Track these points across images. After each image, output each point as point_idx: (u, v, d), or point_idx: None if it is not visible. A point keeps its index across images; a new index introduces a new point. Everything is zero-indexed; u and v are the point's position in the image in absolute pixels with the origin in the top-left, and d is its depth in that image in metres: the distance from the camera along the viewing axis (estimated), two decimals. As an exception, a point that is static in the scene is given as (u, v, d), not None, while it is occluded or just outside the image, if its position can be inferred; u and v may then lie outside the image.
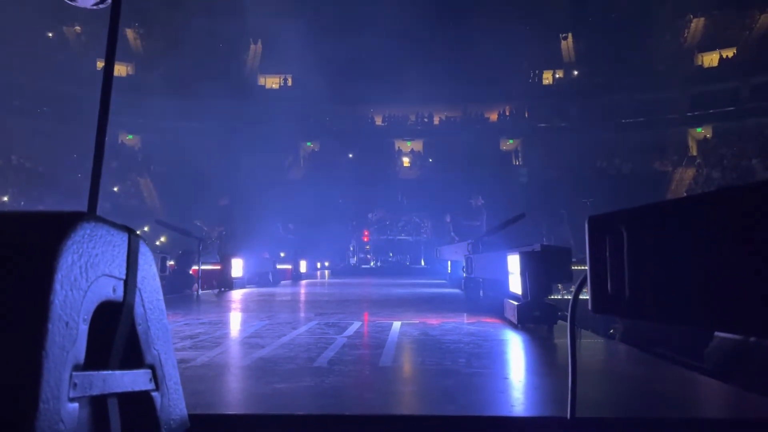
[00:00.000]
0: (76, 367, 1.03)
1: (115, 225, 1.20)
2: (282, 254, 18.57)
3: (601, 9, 33.71)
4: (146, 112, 30.90)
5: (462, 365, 2.34)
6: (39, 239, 1.02)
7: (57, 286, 0.98)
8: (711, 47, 32.01)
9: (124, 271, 1.21)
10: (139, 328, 1.27)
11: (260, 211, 21.17)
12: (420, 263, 19.03)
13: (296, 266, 12.46)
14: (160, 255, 5.97)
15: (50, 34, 31.68)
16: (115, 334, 1.20)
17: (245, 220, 17.25)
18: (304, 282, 11.40)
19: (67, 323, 1.01)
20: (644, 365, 2.44)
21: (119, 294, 1.19)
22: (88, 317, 1.08)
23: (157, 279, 1.37)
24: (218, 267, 8.71)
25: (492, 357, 2.64)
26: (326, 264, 17.74)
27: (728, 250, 1.17)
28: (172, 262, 8.36)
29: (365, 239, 21.01)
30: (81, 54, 31.50)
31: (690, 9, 33.23)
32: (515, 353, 2.89)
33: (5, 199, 25.09)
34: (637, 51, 32.39)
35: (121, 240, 1.21)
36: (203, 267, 8.17)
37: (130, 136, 32.87)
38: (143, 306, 1.28)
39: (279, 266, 11.60)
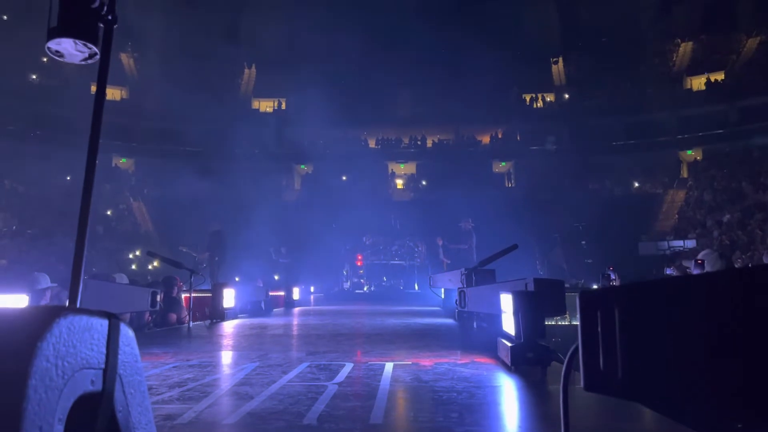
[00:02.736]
0: (51, 471, 0.99)
1: (94, 313, 1.17)
2: (276, 277, 18.46)
3: (591, 34, 34.27)
4: (140, 136, 31.00)
5: (454, 421, 2.30)
6: (11, 342, 0.98)
7: (30, 392, 0.95)
8: (699, 71, 32.52)
9: (103, 360, 1.17)
10: (120, 415, 1.23)
11: (254, 235, 21.12)
12: (414, 288, 18.93)
13: (289, 293, 12.37)
14: (151, 290, 5.90)
15: (45, 59, 31.76)
16: (94, 426, 1.16)
17: (237, 245, 17.19)
18: (296, 310, 11.31)
19: (40, 427, 0.97)
20: (639, 419, 2.41)
21: (98, 385, 1.15)
22: (64, 416, 1.04)
23: (139, 360, 1.33)
24: (209, 295, 8.63)
25: (484, 410, 2.59)
26: (320, 287, 17.65)
27: (721, 334, 1.15)
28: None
29: (359, 263, 20.92)
30: (74, 78, 31.58)
31: (678, 33, 33.81)
32: (509, 404, 2.85)
33: (-4, 223, 24.93)
34: (627, 75, 32.87)
35: (100, 327, 1.17)
36: (194, 294, 8.10)
37: (124, 160, 32.86)
38: (123, 392, 1.24)
39: (272, 293, 11.51)
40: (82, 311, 1.12)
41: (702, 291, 1.22)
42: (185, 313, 7.79)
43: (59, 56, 2.16)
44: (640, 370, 1.30)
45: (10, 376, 0.94)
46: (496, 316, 4.89)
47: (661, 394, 1.30)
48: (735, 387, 1.14)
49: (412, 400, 2.81)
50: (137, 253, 25.79)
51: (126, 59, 34.12)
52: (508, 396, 3.00)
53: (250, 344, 5.42)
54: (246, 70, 36.77)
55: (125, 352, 1.26)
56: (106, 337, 1.19)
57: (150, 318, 7.27)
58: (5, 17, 26.35)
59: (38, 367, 0.97)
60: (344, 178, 32.98)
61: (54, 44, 2.09)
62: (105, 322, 1.20)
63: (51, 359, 1.00)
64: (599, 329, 1.38)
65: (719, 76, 31.79)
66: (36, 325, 1.01)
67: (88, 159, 1.84)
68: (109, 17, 2.09)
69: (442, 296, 11.17)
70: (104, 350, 1.18)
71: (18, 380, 0.94)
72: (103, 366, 1.17)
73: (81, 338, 1.09)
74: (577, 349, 1.51)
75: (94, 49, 2.11)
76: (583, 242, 22.99)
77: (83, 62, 2.19)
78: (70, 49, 2.12)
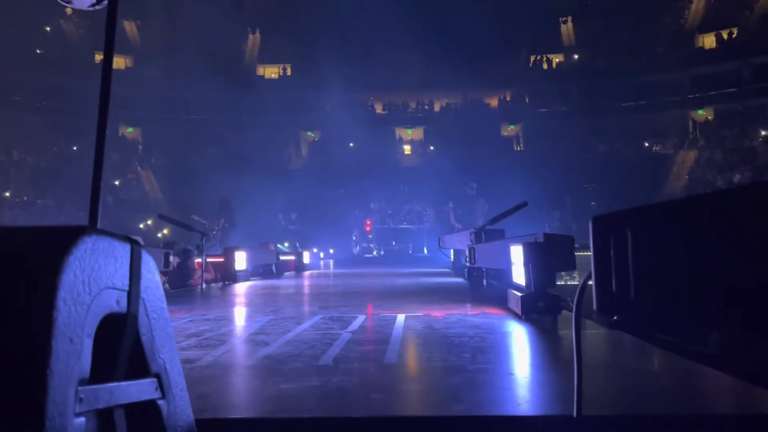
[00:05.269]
0: (82, 382, 1.02)
1: (116, 236, 1.19)
2: (286, 244, 18.63)
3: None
4: (146, 104, 30.87)
5: (467, 361, 2.34)
6: (41, 255, 1.01)
7: (60, 303, 0.98)
8: (711, 28, 31.76)
9: (127, 282, 1.20)
10: (144, 338, 1.27)
11: (263, 201, 21.20)
12: (423, 251, 19.05)
13: (299, 257, 12.48)
14: (164, 251, 5.97)
15: (48, 29, 31.52)
16: (120, 345, 1.19)
17: (247, 212, 17.29)
18: (307, 273, 11.42)
19: (71, 339, 1.01)
20: (649, 357, 2.44)
21: (123, 306, 1.18)
22: (93, 331, 1.07)
23: (161, 287, 1.36)
24: (221, 259, 8.73)
25: (496, 351, 2.64)
26: (330, 251, 17.78)
27: (730, 252, 1.16)
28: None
29: (368, 228, 21.03)
30: (79, 47, 31.38)
31: (691, -11, 32.97)
32: (519, 347, 2.89)
33: (7, 194, 25.15)
34: (638, 34, 32.19)
35: (123, 251, 1.20)
36: (206, 258, 8.21)
37: (131, 129, 32.82)
38: (147, 315, 1.28)
39: (282, 257, 11.62)
40: (105, 232, 1.14)
41: (717, 209, 1.22)
42: (199, 274, 7.90)
43: (67, 2, 2.16)
44: (652, 290, 1.32)
45: (40, 287, 0.97)
46: (505, 272, 4.92)
47: (672, 315, 1.32)
48: (750, 310, 1.14)
49: (424, 344, 2.86)
50: (148, 222, 25.99)
51: (129, 27, 33.78)
52: (519, 340, 3.04)
53: (263, 302, 5.50)
54: (250, 36, 36.33)
55: (147, 278, 1.29)
56: (128, 260, 1.22)
57: (165, 280, 7.38)
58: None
59: (66, 281, 1.00)
60: (351, 144, 32.84)
61: (62, -10, 2.09)
62: (127, 246, 1.23)
63: (78, 274, 1.03)
64: (611, 253, 1.39)
65: (732, 33, 31.06)
66: (62, 240, 1.03)
67: (99, 109, 1.82)
68: (117, -38, 2.07)
69: (452, 258, 11.24)
70: (127, 272, 1.21)
71: (48, 291, 0.97)
72: (126, 288, 1.20)
73: (105, 258, 1.12)
74: (590, 275, 1.53)
75: (102, -7, 2.10)
76: (593, 203, 22.90)
77: (91, 8, 2.18)
78: (78, -5, 2.11)
